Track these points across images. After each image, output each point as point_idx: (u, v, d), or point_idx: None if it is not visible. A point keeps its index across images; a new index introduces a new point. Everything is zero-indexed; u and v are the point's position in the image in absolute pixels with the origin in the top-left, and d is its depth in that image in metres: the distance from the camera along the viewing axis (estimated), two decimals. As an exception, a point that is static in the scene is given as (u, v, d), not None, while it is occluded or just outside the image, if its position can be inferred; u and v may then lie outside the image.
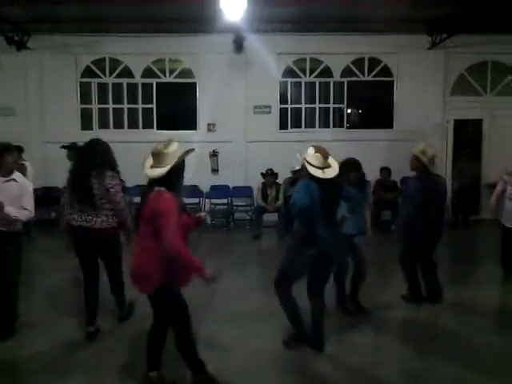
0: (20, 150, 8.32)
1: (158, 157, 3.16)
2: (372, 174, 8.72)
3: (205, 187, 10.69)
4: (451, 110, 11.23)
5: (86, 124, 11.19)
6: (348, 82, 11.26)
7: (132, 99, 11.22)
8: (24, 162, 8.15)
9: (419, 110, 11.06)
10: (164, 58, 11.15)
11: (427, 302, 5.50)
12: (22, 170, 7.79)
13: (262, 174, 9.81)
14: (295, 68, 11.25)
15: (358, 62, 11.23)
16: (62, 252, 7.91)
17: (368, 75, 11.25)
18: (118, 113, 11.28)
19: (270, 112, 11.15)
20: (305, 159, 4.07)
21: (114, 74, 11.14)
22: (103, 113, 11.30)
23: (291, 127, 11.35)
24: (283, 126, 11.31)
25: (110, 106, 11.25)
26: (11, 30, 9.90)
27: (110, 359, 4.13)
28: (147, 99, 11.18)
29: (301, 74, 11.26)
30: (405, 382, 3.82)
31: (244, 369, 3.94)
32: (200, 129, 11.07)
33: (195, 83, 11.15)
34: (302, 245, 4.17)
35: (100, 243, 4.48)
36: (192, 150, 3.38)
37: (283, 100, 11.33)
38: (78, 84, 11.12)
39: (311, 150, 4.11)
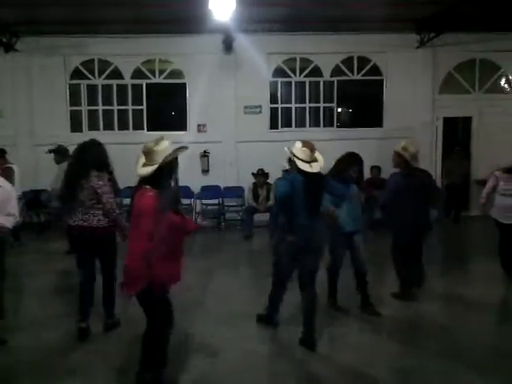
0: (3, 152, 8.30)
1: (148, 155, 3.15)
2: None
3: (196, 188, 10.67)
4: (440, 108, 11.31)
5: (76, 126, 11.14)
6: (338, 81, 11.30)
7: (122, 100, 11.18)
8: (11, 165, 8.10)
9: (409, 108, 11.13)
10: (154, 58, 11.13)
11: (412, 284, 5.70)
12: (9, 174, 7.77)
13: (252, 174, 9.82)
14: (285, 68, 11.28)
15: (348, 62, 11.27)
16: (51, 255, 8.01)
17: (357, 74, 11.30)
18: (107, 114, 11.24)
19: (260, 112, 11.16)
20: (292, 153, 4.21)
21: (104, 76, 11.09)
22: (93, 114, 11.25)
23: (282, 127, 11.37)
24: (274, 125, 11.33)
25: (100, 107, 11.20)
26: (-1, 33, 9.84)
27: (103, 362, 4.11)
28: (137, 100, 11.15)
29: (291, 74, 11.28)
30: (396, 380, 3.84)
31: (235, 369, 3.94)
32: (190, 129, 11.06)
33: (185, 84, 11.13)
34: (283, 233, 4.39)
35: (97, 241, 4.52)
36: (185, 147, 3.34)
37: (273, 100, 11.35)
38: (67, 86, 11.06)
39: (299, 144, 4.26)
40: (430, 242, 8.61)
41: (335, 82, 11.30)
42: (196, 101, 10.86)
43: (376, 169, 10.31)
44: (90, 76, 11.09)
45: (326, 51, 10.96)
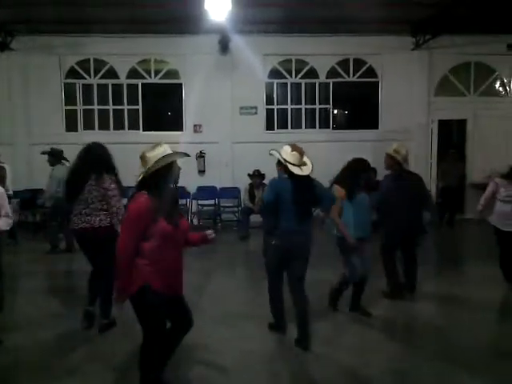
0: None
1: (142, 160, 3.14)
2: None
3: (191, 188, 10.66)
4: (435, 111, 11.36)
5: (71, 125, 11.10)
6: (333, 82, 11.33)
7: (117, 100, 11.15)
8: (3, 165, 8.08)
9: (404, 110, 11.17)
10: (149, 58, 11.11)
11: (405, 288, 5.76)
12: (2, 173, 7.75)
13: (248, 174, 9.82)
14: (281, 69, 11.29)
15: (343, 63, 11.30)
16: (47, 254, 7.98)
17: (353, 76, 11.33)
18: (103, 114, 11.20)
19: (256, 113, 11.17)
20: (283, 158, 4.25)
21: (99, 75, 11.06)
22: (88, 114, 11.21)
23: (278, 128, 11.38)
24: (270, 126, 11.34)
25: (95, 107, 11.17)
26: (-7, 31, 9.80)
27: (101, 361, 4.10)
28: (133, 100, 11.13)
29: (287, 75, 11.29)
30: (393, 381, 3.84)
31: (234, 370, 3.93)
32: (186, 130, 11.05)
33: (181, 84, 11.12)
34: (269, 237, 4.53)
35: (98, 241, 4.54)
36: (182, 154, 3.27)
37: (269, 101, 11.36)
38: (63, 85, 11.03)
39: (288, 149, 4.28)
40: (424, 244, 8.72)
41: (331, 84, 11.32)
42: (192, 101, 10.84)
43: (372, 171, 10.31)
44: (85, 75, 11.05)
45: (322, 53, 10.99)
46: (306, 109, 11.44)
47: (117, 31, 10.36)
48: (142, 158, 3.12)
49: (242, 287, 6.40)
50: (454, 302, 5.64)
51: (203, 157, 10.91)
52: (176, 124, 11.16)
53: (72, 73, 11.06)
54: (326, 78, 11.29)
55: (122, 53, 10.76)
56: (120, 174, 4.80)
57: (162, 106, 11.85)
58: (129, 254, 2.98)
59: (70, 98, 11.10)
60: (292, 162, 4.21)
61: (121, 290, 3.07)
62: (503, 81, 11.63)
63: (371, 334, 4.68)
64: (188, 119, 11.07)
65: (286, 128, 11.37)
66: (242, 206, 10.21)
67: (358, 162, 5.00)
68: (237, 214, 10.61)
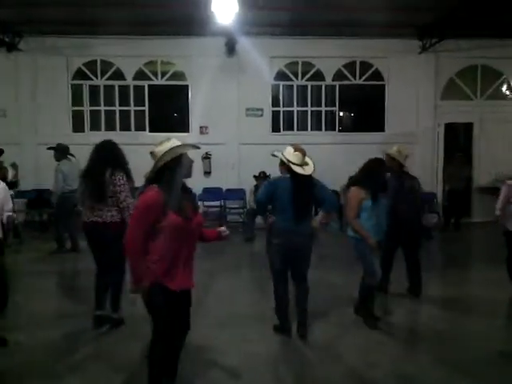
0: (2, 152, 8.40)
1: (152, 156, 3.14)
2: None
3: (197, 190, 10.66)
4: (442, 114, 11.33)
5: (78, 126, 11.17)
6: (340, 85, 11.33)
7: (124, 101, 11.20)
8: (5, 165, 8.18)
9: (410, 113, 11.16)
10: (156, 60, 11.15)
11: (411, 293, 5.79)
12: (4, 172, 7.82)
13: (254, 176, 9.82)
14: (287, 71, 11.30)
15: (350, 66, 11.30)
16: (52, 254, 8.01)
17: (359, 79, 11.32)
18: (109, 115, 11.25)
19: (262, 115, 11.18)
20: (287, 159, 4.36)
21: (106, 76, 11.12)
22: (95, 115, 11.27)
23: (283, 130, 11.39)
24: (275, 128, 11.35)
25: (102, 108, 11.23)
26: (2, 32, 9.86)
27: (104, 361, 4.11)
28: (139, 101, 11.18)
29: (293, 77, 11.30)
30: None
31: (239, 372, 3.93)
32: (192, 131, 11.07)
33: (187, 86, 11.15)
34: (270, 235, 4.64)
35: (108, 236, 4.59)
36: (191, 146, 3.22)
37: (275, 103, 11.37)
38: (70, 86, 11.09)
39: (291, 149, 4.40)
40: (430, 248, 8.71)
41: (337, 86, 11.32)
42: (198, 103, 10.87)
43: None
44: (92, 76, 11.12)
45: (329, 55, 11.00)
46: (311, 111, 11.45)
47: (124, 33, 10.41)
48: (152, 153, 3.12)
49: (247, 288, 6.40)
50: (459, 306, 5.61)
51: (209, 158, 10.93)
52: (182, 125, 11.19)
53: (79, 74, 11.13)
54: (333, 80, 11.30)
55: (129, 54, 10.81)
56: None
57: (169, 108, 11.88)
58: (136, 246, 2.95)
59: (76, 99, 11.17)
60: (295, 161, 4.32)
61: (135, 282, 3.02)
62: (510, 84, 11.59)
63: (376, 337, 4.66)
64: (194, 121, 11.10)
65: (292, 130, 11.38)
66: (248, 207, 10.22)
67: (378, 162, 4.90)
68: (242, 216, 10.61)
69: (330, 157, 10.22)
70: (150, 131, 11.16)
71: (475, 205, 11.47)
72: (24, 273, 6.92)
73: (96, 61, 11.08)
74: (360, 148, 9.99)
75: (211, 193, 10.80)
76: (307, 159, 4.43)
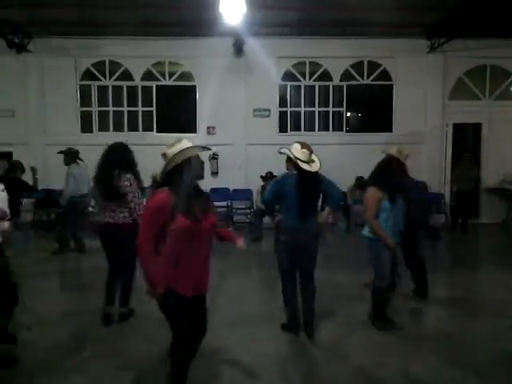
0: None
1: (163, 157, 3.14)
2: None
3: (204, 190, 10.67)
4: (450, 114, 11.28)
5: (86, 126, 11.23)
6: (347, 85, 11.31)
7: (132, 102, 11.25)
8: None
9: (418, 113, 11.12)
10: (164, 60, 11.19)
11: (416, 295, 5.77)
12: (16, 173, 7.88)
13: (261, 176, 9.84)
14: (295, 71, 11.30)
15: (357, 66, 11.28)
16: (57, 254, 8.06)
17: (367, 79, 11.29)
18: (117, 115, 11.31)
19: (269, 115, 11.19)
20: (294, 156, 4.41)
21: (114, 77, 11.17)
22: (103, 115, 11.33)
23: (291, 130, 11.39)
24: (283, 129, 11.35)
25: (110, 108, 11.28)
26: (12, 33, 9.94)
27: (109, 359, 4.14)
28: (147, 102, 11.22)
29: (300, 78, 11.30)
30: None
31: (249, 372, 3.93)
32: (200, 132, 11.10)
33: (195, 86, 11.19)
34: (277, 233, 4.67)
35: (121, 236, 4.69)
36: (201, 148, 3.20)
37: (283, 103, 11.38)
38: (78, 86, 11.16)
39: (298, 146, 4.45)
40: (437, 248, 8.68)
41: (345, 87, 11.31)
42: (206, 103, 10.91)
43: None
44: (100, 77, 11.17)
45: (336, 55, 10.99)
46: (319, 111, 11.44)
47: (132, 34, 10.46)
48: (164, 155, 3.10)
49: (255, 288, 6.41)
50: (466, 307, 5.59)
51: (216, 159, 10.95)
52: (190, 126, 11.22)
53: (87, 74, 11.19)
54: (340, 80, 11.28)
55: (137, 55, 10.86)
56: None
57: (176, 108, 11.90)
58: (148, 248, 2.93)
59: (85, 100, 11.23)
60: (302, 158, 4.39)
61: (149, 285, 2.99)
62: (519, 84, 11.52)
63: (383, 338, 4.65)
64: (201, 121, 11.13)
65: (299, 130, 11.37)
66: (255, 207, 10.23)
67: (395, 162, 4.86)
68: (249, 216, 10.62)
69: (338, 157, 10.21)
70: (158, 132, 11.20)
71: (483, 206, 11.43)
72: (31, 272, 6.95)
73: (104, 61, 11.14)
74: (367, 148, 9.97)
75: (218, 193, 10.79)
76: (314, 156, 4.48)
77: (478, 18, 9.20)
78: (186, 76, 11.26)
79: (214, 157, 10.93)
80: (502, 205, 11.23)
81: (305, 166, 4.37)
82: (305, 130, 11.39)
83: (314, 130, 11.40)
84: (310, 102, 11.41)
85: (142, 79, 11.15)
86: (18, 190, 6.63)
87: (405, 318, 5.26)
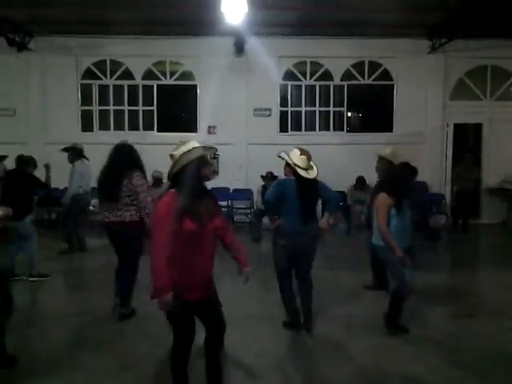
0: None
1: (170, 158, 3.07)
2: (372, 178, 8.75)
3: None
4: (451, 115, 11.27)
5: (87, 125, 11.23)
6: (348, 85, 11.30)
7: (133, 101, 11.25)
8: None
9: (419, 113, 11.11)
10: (165, 60, 11.19)
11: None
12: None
13: (262, 176, 9.83)
14: (295, 71, 11.29)
15: (358, 66, 11.27)
16: (62, 254, 8.06)
17: (368, 79, 11.29)
18: (118, 114, 11.30)
19: (270, 115, 11.19)
20: (293, 162, 4.46)
21: (115, 76, 11.17)
22: (104, 114, 11.33)
23: (291, 130, 11.38)
24: (283, 128, 11.35)
25: (111, 107, 11.28)
26: (12, 31, 9.94)
27: (115, 360, 4.14)
28: (148, 101, 11.22)
29: (301, 77, 11.29)
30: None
31: (248, 372, 3.94)
32: (200, 131, 11.09)
33: (196, 85, 11.18)
34: (276, 236, 4.71)
35: (128, 234, 4.83)
36: (208, 148, 3.17)
37: (283, 103, 11.37)
38: (79, 85, 11.15)
39: (297, 152, 4.52)
40: (438, 249, 8.68)
41: (345, 86, 11.30)
42: (206, 103, 10.90)
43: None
44: (101, 76, 11.17)
45: (337, 55, 10.98)
46: (320, 111, 11.43)
47: (133, 33, 10.46)
48: (171, 156, 3.06)
49: (254, 288, 6.38)
50: (467, 308, 5.59)
51: (217, 158, 10.95)
52: (190, 125, 11.23)
53: (88, 73, 11.19)
54: (341, 80, 11.27)
55: (138, 54, 10.85)
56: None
57: (177, 108, 11.92)
58: (164, 252, 2.84)
59: (86, 99, 11.23)
60: (300, 165, 4.45)
61: (159, 290, 2.88)
62: (520, 85, 11.51)
63: (384, 338, 4.65)
64: (202, 121, 11.12)
65: (300, 130, 11.37)
66: (255, 207, 10.23)
67: (406, 167, 4.80)
68: (249, 216, 10.62)
69: (338, 157, 10.22)
70: (159, 131, 11.20)
71: (484, 206, 11.42)
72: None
73: (105, 60, 11.14)
74: (368, 148, 9.93)
75: (218, 193, 10.76)
76: (311, 163, 4.55)
77: (479, 19, 9.20)
78: (186, 75, 11.26)
79: (215, 156, 10.91)
80: (502, 205, 11.23)
81: (303, 173, 4.44)
82: (305, 130, 11.38)
83: (314, 130, 11.39)
84: (311, 102, 11.40)
85: (143, 78, 11.15)
86: (30, 186, 6.60)
87: (405, 318, 5.25)
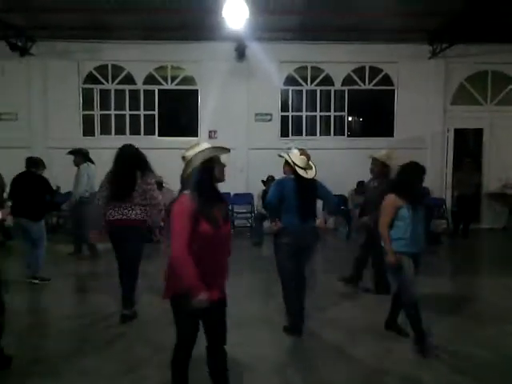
0: None
1: (182, 160, 3.02)
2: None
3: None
4: (452, 119, 11.29)
5: (88, 130, 11.26)
6: (349, 90, 11.33)
7: (134, 106, 11.28)
8: None
9: (420, 118, 11.13)
10: (166, 65, 11.23)
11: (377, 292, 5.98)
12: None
13: (262, 181, 9.84)
14: (296, 76, 11.33)
15: (359, 71, 11.31)
16: (61, 256, 8.06)
17: (369, 84, 11.32)
18: (119, 119, 11.34)
19: (270, 120, 11.21)
20: (292, 160, 4.57)
21: (117, 81, 11.21)
22: (105, 119, 11.36)
23: (292, 135, 11.41)
24: (284, 133, 11.37)
25: (112, 112, 11.32)
26: (15, 36, 9.99)
27: (116, 364, 4.13)
28: (149, 106, 11.25)
29: (302, 82, 11.33)
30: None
31: (247, 376, 3.94)
32: (201, 136, 11.11)
33: (197, 90, 11.22)
34: (278, 237, 4.74)
35: (131, 231, 4.93)
36: (221, 149, 3.12)
37: (284, 108, 11.40)
38: (81, 90, 11.19)
39: (297, 152, 4.63)
40: (438, 254, 8.67)
41: (346, 91, 11.33)
42: (207, 107, 10.94)
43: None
44: (103, 81, 11.21)
45: (338, 60, 11.01)
46: (320, 116, 11.46)
47: (135, 38, 10.51)
48: (183, 158, 3.00)
49: (255, 292, 6.40)
50: (468, 313, 5.57)
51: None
52: (191, 130, 11.25)
53: (90, 78, 11.23)
54: (342, 85, 11.30)
55: (140, 59, 10.90)
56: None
57: (178, 112, 11.94)
58: (185, 254, 2.76)
59: (87, 103, 11.27)
60: (300, 164, 4.57)
61: (193, 289, 2.78)
62: (521, 90, 11.53)
63: (385, 342, 4.65)
64: (203, 125, 11.15)
65: (301, 135, 11.39)
66: (256, 212, 10.23)
67: (416, 166, 4.49)
68: (250, 220, 10.62)
69: (339, 162, 10.25)
70: (160, 135, 11.23)
71: (484, 211, 11.43)
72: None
73: (107, 65, 11.18)
74: (369, 153, 9.99)
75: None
76: (310, 163, 4.67)
77: (480, 24, 9.22)
78: (188, 80, 11.29)
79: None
80: (503, 210, 11.23)
81: (302, 173, 4.56)
82: (306, 135, 11.40)
83: (315, 135, 11.42)
84: (312, 107, 11.43)
85: (144, 83, 11.19)
86: (43, 189, 6.61)
87: (405, 321, 5.25)
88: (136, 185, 4.89)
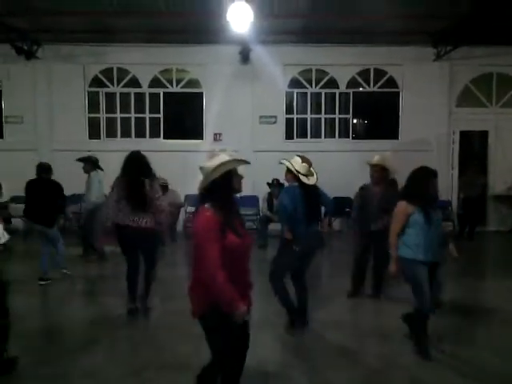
0: None
1: (200, 170, 2.94)
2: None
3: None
4: (457, 122, 11.27)
5: (94, 133, 11.32)
6: (354, 92, 11.33)
7: (139, 109, 11.33)
8: None
9: (425, 121, 11.11)
10: (171, 68, 11.27)
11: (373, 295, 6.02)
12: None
13: (267, 183, 9.84)
14: (301, 79, 11.34)
15: (364, 74, 11.31)
16: (70, 259, 8.08)
17: (374, 86, 11.31)
18: (125, 122, 11.38)
19: (275, 122, 11.23)
20: (295, 169, 4.66)
21: (122, 84, 11.25)
22: (111, 122, 11.41)
23: (297, 137, 11.42)
24: (289, 135, 11.38)
25: (118, 115, 11.37)
26: (20, 40, 10.06)
27: (121, 366, 4.14)
28: (154, 109, 11.29)
29: (307, 85, 11.34)
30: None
31: (250, 378, 3.93)
32: (206, 138, 11.15)
33: (202, 93, 11.25)
34: (289, 244, 4.74)
35: (142, 239, 5.12)
36: (240, 161, 3.08)
37: (289, 110, 11.41)
38: (86, 93, 11.25)
39: (299, 160, 4.71)
40: (444, 257, 8.62)
41: (351, 94, 11.33)
42: (212, 110, 10.97)
43: (391, 181, 10.25)
44: (108, 84, 11.26)
45: (343, 63, 11.02)
46: (325, 118, 11.47)
47: (140, 41, 10.56)
48: (201, 168, 2.93)
49: (258, 294, 6.38)
50: (472, 315, 5.55)
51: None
52: (196, 132, 11.28)
53: (96, 81, 11.29)
54: (346, 87, 11.31)
55: (145, 62, 10.94)
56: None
57: (183, 115, 11.97)
58: (221, 274, 2.68)
59: (93, 106, 11.33)
60: (302, 172, 4.68)
61: (233, 302, 2.73)
62: (526, 92, 11.50)
63: (388, 346, 4.64)
64: (208, 128, 11.18)
65: (306, 137, 11.40)
66: (261, 214, 10.23)
67: (427, 171, 4.32)
68: (255, 223, 10.63)
69: (344, 164, 10.23)
70: (165, 138, 11.27)
71: (490, 213, 11.39)
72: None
73: (112, 68, 11.23)
74: (374, 156, 9.98)
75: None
76: (312, 169, 4.77)
77: (484, 26, 9.21)
78: (193, 83, 11.33)
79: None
80: (509, 212, 11.20)
81: (304, 179, 4.66)
82: (311, 137, 11.42)
83: (320, 137, 11.43)
84: (317, 109, 11.45)
85: (150, 86, 11.23)
86: (55, 195, 6.63)
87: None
88: (147, 196, 5.05)
